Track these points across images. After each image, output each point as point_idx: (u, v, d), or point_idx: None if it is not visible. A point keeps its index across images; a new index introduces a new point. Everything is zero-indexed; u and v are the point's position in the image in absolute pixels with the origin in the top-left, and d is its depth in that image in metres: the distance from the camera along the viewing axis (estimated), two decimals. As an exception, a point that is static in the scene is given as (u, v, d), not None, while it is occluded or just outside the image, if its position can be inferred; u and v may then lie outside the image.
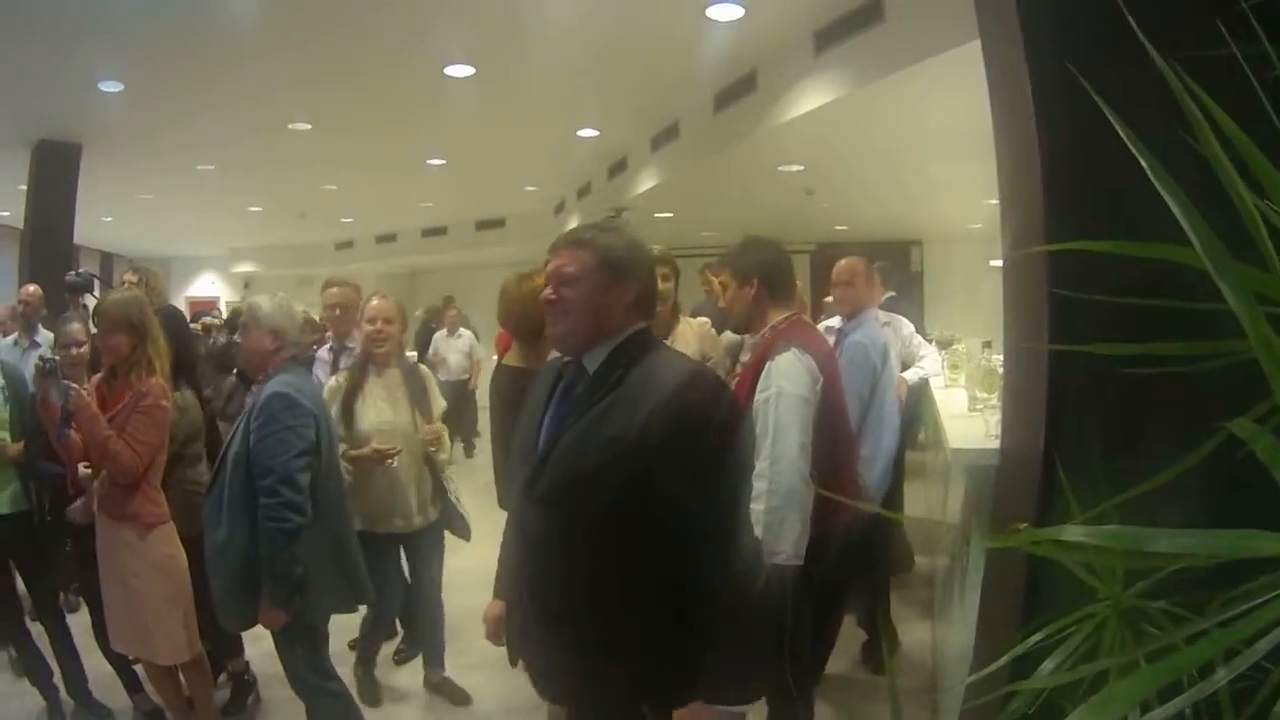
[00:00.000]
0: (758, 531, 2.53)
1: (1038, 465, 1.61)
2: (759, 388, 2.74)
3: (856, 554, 3.19)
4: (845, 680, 4.00)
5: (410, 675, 4.17)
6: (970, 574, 2.80)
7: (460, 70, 6.19)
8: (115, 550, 3.21)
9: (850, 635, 4.12)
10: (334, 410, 3.61)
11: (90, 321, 3.68)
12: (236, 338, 3.57)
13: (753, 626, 1.81)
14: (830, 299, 4.66)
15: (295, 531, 2.77)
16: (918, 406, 5.08)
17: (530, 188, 11.93)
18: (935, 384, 4.79)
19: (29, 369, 3.73)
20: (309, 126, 7.86)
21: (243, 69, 6.09)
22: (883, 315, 4.75)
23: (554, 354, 2.08)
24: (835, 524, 2.83)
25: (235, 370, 4.37)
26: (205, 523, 2.96)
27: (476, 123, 7.87)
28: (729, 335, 4.11)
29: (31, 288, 5.51)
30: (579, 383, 1.86)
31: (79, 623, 3.86)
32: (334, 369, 4.26)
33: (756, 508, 2.54)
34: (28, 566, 3.73)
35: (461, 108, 7.18)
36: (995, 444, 2.36)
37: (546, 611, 1.85)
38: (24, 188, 8.49)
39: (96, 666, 3.76)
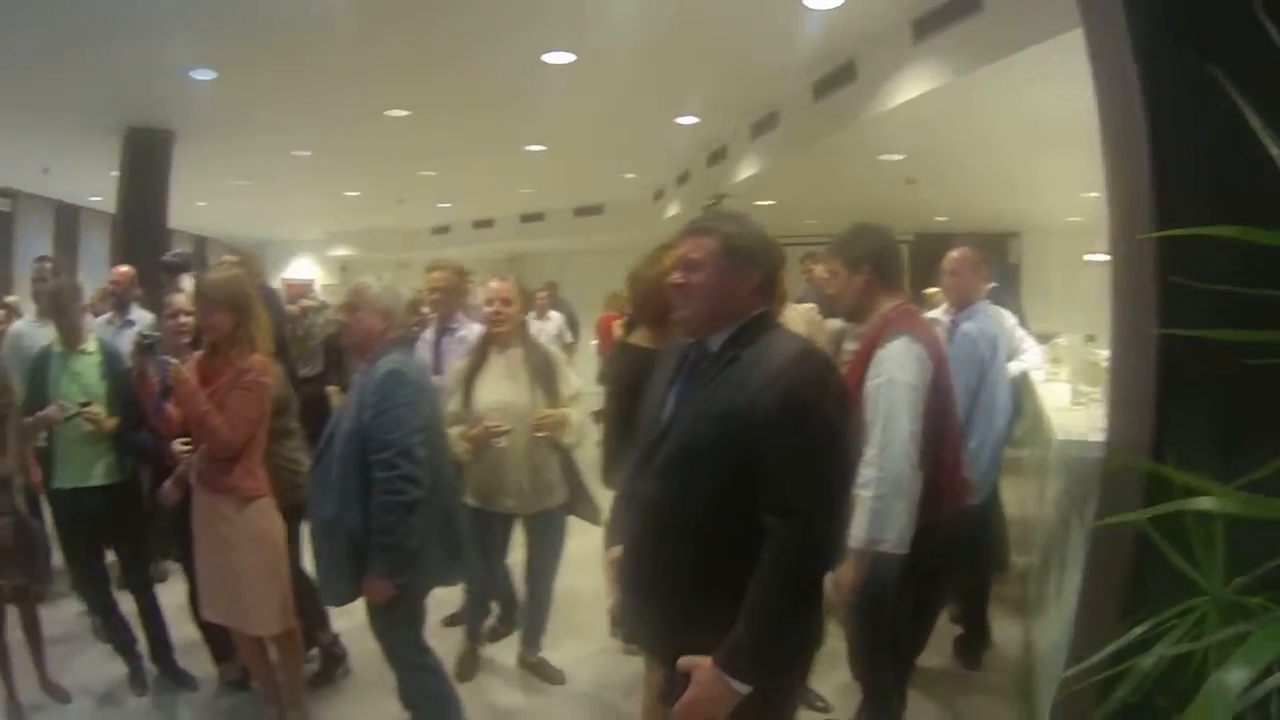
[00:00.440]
0: (863, 518, 2.55)
1: (1145, 455, 1.59)
2: (869, 375, 2.72)
3: (960, 547, 3.16)
4: (937, 674, 3.95)
5: (503, 651, 4.21)
6: (1069, 568, 2.76)
7: (560, 57, 6.24)
8: (213, 522, 3.26)
9: (943, 630, 4.05)
10: (456, 388, 3.67)
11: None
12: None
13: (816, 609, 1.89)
14: (931, 290, 4.60)
15: (413, 504, 2.80)
16: (1018, 400, 4.98)
17: (629, 175, 11.94)
18: (1035, 377, 4.70)
19: (123, 347, 3.84)
20: (407, 113, 7.96)
21: (338, 57, 6.16)
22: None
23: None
24: (940, 515, 2.80)
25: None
26: (311, 500, 3.02)
27: (576, 109, 7.89)
28: (832, 322, 4.10)
29: (124, 268, 5.58)
30: (702, 362, 1.95)
31: (166, 592, 4.00)
32: (435, 350, 4.37)
33: (864, 494, 2.56)
34: (120, 536, 3.79)
35: (561, 95, 7.21)
36: (1099, 438, 2.33)
37: (653, 585, 1.93)
38: (116, 174, 8.74)
39: (183, 636, 3.88)
